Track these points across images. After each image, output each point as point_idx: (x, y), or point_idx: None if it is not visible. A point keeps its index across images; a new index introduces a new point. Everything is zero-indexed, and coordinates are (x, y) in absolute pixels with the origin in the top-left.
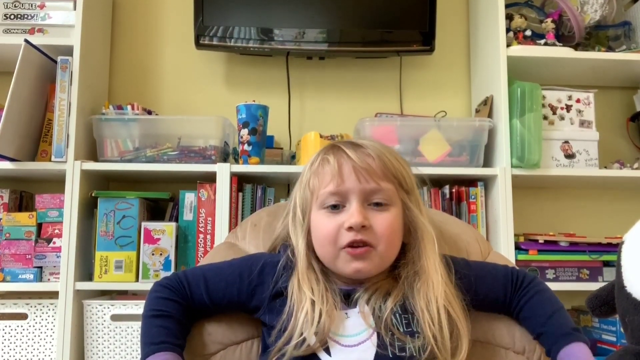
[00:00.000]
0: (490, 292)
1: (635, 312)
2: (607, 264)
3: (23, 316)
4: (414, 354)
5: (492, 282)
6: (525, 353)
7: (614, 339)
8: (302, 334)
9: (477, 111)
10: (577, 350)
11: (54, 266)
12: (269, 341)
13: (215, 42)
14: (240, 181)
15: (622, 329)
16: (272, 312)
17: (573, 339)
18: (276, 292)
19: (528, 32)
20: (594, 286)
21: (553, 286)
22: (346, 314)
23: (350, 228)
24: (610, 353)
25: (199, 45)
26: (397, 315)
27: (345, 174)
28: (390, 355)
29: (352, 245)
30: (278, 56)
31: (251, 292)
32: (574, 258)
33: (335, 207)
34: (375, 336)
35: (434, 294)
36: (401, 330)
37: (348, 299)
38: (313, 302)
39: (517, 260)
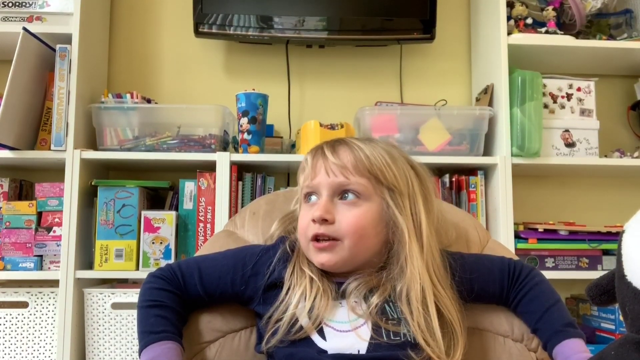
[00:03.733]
0: (486, 286)
1: (635, 301)
2: (606, 252)
3: (24, 304)
4: (409, 340)
5: (488, 276)
6: (524, 341)
7: (613, 327)
8: (296, 316)
9: (477, 100)
10: (573, 346)
11: (55, 255)
12: (263, 330)
13: (214, 30)
14: (240, 170)
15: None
16: (266, 303)
17: (568, 335)
18: (271, 282)
19: (529, 20)
20: (593, 275)
21: (552, 275)
22: (340, 303)
23: (314, 220)
24: (609, 341)
25: (198, 33)
26: (391, 304)
27: (317, 169)
28: (385, 339)
29: (316, 238)
30: (278, 44)
31: (245, 283)
32: (574, 247)
33: (310, 200)
34: (368, 324)
35: (415, 295)
36: (394, 316)
37: (339, 291)
38: (312, 280)
39: (516, 249)
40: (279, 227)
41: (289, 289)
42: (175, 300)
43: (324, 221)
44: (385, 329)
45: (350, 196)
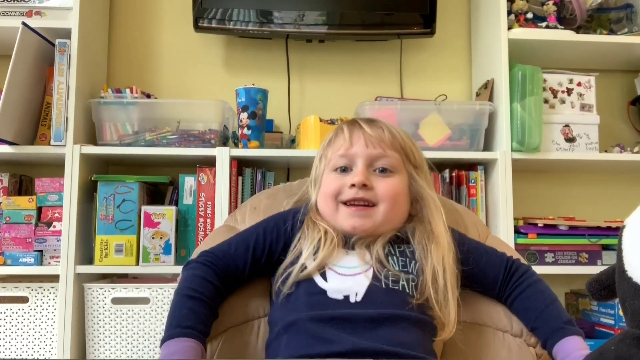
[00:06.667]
0: (481, 271)
1: (635, 296)
2: (606, 247)
3: (24, 299)
4: (407, 290)
5: (486, 261)
6: (523, 336)
7: (612, 322)
8: (305, 261)
9: (477, 95)
10: (573, 344)
11: (55, 250)
12: (277, 275)
13: (214, 25)
14: (239, 165)
15: (621, 313)
16: (285, 254)
17: (567, 332)
18: (289, 238)
19: (529, 15)
20: (593, 270)
21: (552, 270)
22: (347, 252)
23: (352, 185)
24: (608, 336)
25: (197, 27)
26: (395, 257)
27: (354, 140)
28: (383, 286)
29: (353, 202)
30: (277, 39)
31: (285, 239)
32: (573, 242)
33: (344, 170)
34: (370, 271)
35: (444, 256)
36: (396, 268)
37: (350, 243)
38: (326, 231)
39: (516, 244)
40: (291, 205)
41: (300, 239)
42: (213, 292)
43: (363, 186)
44: (385, 276)
45: (385, 168)
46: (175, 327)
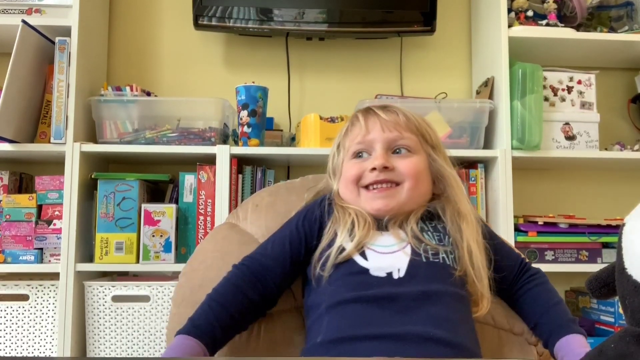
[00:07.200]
0: (499, 261)
1: (635, 294)
2: (606, 245)
3: (24, 297)
4: (448, 262)
5: (507, 253)
6: (524, 334)
7: (612, 320)
8: (341, 243)
9: (477, 92)
10: (575, 341)
11: (55, 247)
12: (314, 260)
13: (214, 23)
14: (240, 163)
15: (621, 311)
16: (319, 241)
17: (570, 330)
18: (321, 226)
19: (530, 13)
20: (593, 268)
21: (552, 267)
22: (381, 233)
23: (373, 169)
24: (608, 334)
25: (197, 25)
26: (429, 233)
27: (370, 126)
28: (424, 260)
29: (374, 185)
30: (277, 37)
31: (318, 226)
32: (574, 240)
33: (361, 156)
34: (408, 247)
35: (473, 232)
36: (433, 242)
37: (381, 225)
38: (357, 213)
39: (516, 242)
40: (312, 196)
41: (333, 222)
42: (236, 301)
43: (384, 169)
44: (424, 250)
45: (403, 150)
46: (188, 321)
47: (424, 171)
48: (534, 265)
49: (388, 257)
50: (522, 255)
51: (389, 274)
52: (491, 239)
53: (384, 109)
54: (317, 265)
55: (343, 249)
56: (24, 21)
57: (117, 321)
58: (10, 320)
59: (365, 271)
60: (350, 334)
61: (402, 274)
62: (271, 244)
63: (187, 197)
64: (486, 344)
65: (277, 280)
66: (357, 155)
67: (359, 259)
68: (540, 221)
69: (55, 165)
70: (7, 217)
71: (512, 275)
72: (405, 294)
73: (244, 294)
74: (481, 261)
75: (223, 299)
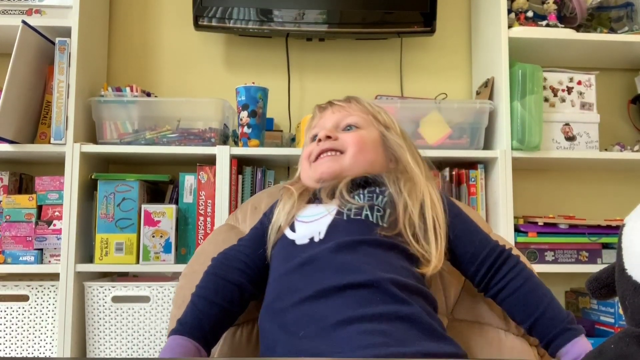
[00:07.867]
0: (462, 242)
1: (635, 295)
2: (606, 246)
3: (24, 298)
4: (371, 219)
5: (471, 234)
6: (525, 335)
7: (612, 320)
8: (277, 221)
9: (477, 93)
10: (579, 346)
11: (55, 248)
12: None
13: (214, 23)
14: (240, 164)
15: (621, 311)
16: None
17: (571, 335)
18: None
19: (530, 13)
20: (593, 268)
21: (552, 268)
22: (316, 205)
23: (319, 141)
24: (608, 335)
25: (197, 26)
26: (361, 195)
27: (323, 113)
28: (345, 218)
29: (321, 154)
30: (277, 37)
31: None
32: (573, 240)
33: (315, 138)
34: (335, 210)
35: (422, 194)
36: (360, 202)
37: (316, 197)
38: (285, 191)
39: (516, 243)
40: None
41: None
42: (218, 289)
43: (327, 138)
44: (348, 209)
45: (352, 128)
46: (176, 324)
47: (371, 144)
48: (534, 266)
49: (313, 224)
50: (501, 243)
51: (311, 239)
52: (454, 217)
53: (339, 100)
54: (269, 247)
55: (280, 227)
56: (24, 22)
57: (117, 322)
58: (10, 321)
59: (292, 242)
60: (279, 307)
61: (322, 235)
62: (245, 237)
63: (187, 198)
64: (486, 344)
65: (257, 260)
66: (311, 138)
67: (288, 233)
68: (540, 222)
69: (55, 165)
70: (7, 217)
71: (476, 264)
72: (322, 252)
73: (225, 279)
74: (428, 223)
75: (205, 292)
